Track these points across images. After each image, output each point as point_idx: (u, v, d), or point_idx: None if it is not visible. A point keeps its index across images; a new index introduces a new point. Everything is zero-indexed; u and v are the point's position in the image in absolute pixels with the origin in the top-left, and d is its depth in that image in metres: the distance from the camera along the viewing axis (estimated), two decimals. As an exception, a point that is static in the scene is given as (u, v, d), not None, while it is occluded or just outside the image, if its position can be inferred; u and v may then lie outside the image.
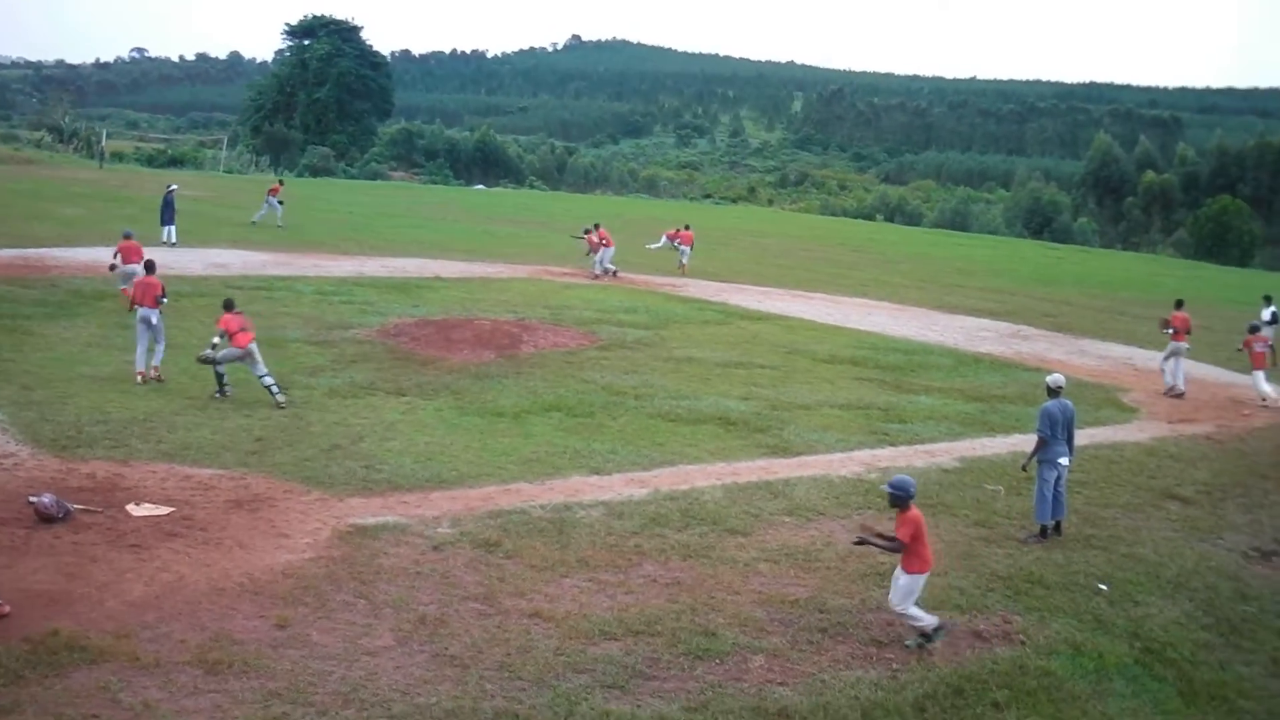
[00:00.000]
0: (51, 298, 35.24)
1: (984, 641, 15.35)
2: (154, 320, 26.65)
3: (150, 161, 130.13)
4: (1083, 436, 24.38)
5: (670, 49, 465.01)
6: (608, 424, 25.36)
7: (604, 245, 52.14)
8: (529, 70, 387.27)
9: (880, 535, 15.18)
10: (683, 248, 58.66)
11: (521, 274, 51.36)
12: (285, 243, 55.42)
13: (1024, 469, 20.86)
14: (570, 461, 22.22)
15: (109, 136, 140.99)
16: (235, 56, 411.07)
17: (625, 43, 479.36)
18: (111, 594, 14.67)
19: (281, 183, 70.92)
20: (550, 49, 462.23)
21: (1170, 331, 35.29)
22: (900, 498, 14.77)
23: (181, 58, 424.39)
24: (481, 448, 22.70)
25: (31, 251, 45.15)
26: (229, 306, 25.59)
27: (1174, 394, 34.45)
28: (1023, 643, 15.35)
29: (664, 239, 61.51)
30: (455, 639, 14.12)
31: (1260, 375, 34.34)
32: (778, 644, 14.71)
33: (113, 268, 35.79)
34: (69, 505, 17.36)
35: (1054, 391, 20.12)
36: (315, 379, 27.60)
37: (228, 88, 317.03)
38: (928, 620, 14.84)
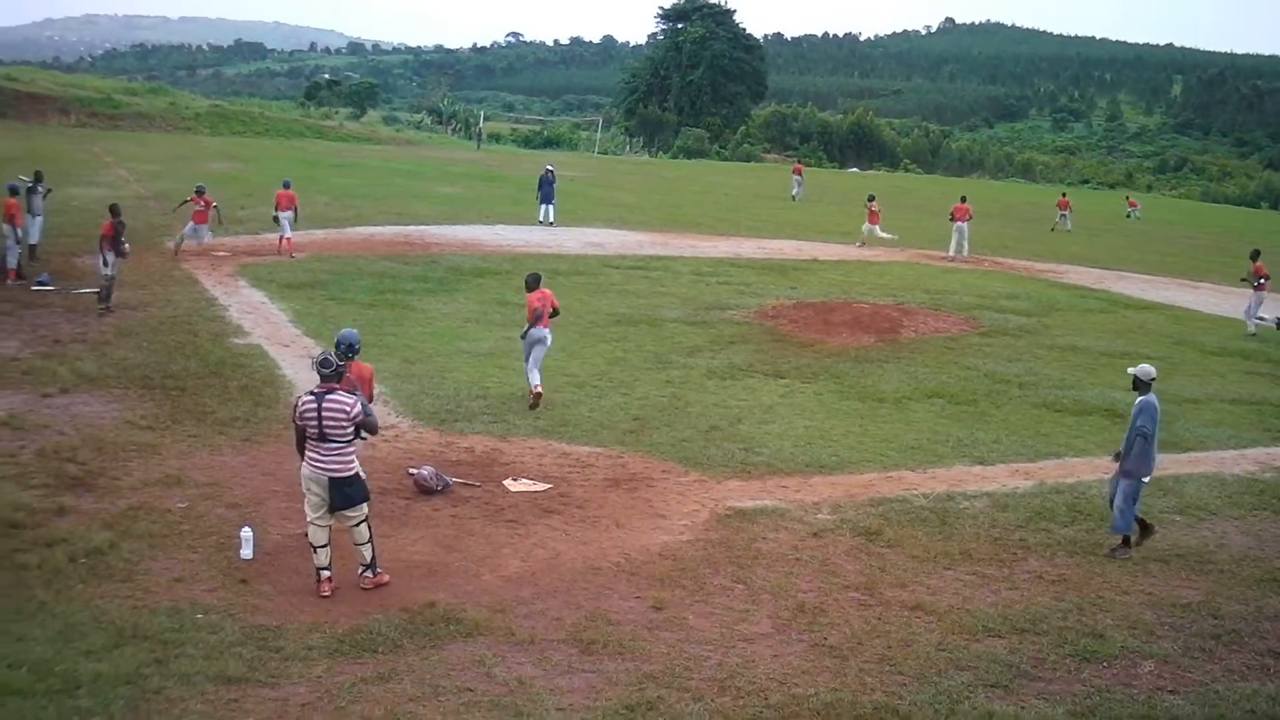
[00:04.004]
0: (431, 274, 36.17)
1: None
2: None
3: (526, 142, 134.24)
4: None
5: (1045, 31, 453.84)
6: (991, 412, 24.63)
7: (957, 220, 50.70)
8: (902, 53, 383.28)
9: None
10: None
11: (900, 258, 50.69)
12: (661, 223, 55.89)
13: None
14: (953, 450, 21.61)
15: (486, 118, 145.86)
16: (609, 40, 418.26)
17: (1000, 25, 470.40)
18: (488, 568, 14.76)
19: (801, 162, 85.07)
20: (924, 31, 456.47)
21: None
22: None
23: (556, 42, 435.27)
24: (862, 433, 22.27)
25: (413, 228, 46.71)
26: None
27: None
28: None
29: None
30: (834, 629, 13.71)
31: None
32: (1168, 649, 13.88)
33: (276, 219, 38.16)
34: (447, 478, 17.59)
35: None
36: (693, 359, 27.51)
37: (601, 71, 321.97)
38: None
